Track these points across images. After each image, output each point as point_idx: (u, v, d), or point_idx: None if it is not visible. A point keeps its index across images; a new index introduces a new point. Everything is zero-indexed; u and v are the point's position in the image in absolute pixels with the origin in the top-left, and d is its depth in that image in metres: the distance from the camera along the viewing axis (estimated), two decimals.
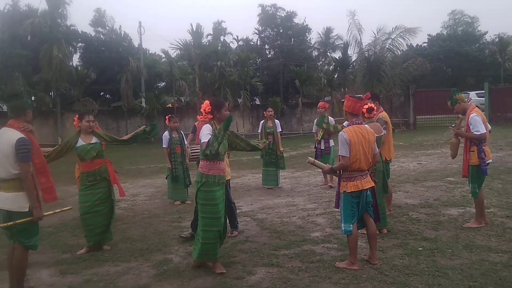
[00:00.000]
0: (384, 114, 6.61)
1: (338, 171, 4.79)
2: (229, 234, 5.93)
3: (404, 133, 24.67)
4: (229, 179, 6.10)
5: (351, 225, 4.64)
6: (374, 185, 4.80)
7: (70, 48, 29.79)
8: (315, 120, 9.80)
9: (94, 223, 5.76)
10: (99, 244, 5.85)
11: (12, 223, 4.10)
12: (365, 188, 4.63)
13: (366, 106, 5.91)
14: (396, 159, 12.68)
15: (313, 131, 10.47)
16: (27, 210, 4.13)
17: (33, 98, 26.90)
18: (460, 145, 6.28)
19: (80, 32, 35.12)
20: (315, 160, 5.15)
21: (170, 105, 30.77)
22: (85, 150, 5.71)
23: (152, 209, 8.37)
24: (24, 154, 4.05)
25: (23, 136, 4.12)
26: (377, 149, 4.92)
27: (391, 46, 26.94)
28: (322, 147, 9.82)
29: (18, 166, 4.06)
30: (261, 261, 5.05)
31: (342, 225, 4.71)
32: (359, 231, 4.84)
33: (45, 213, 4.33)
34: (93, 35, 37.94)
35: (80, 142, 5.72)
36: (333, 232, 6.06)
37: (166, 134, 8.72)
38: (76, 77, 28.00)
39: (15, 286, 4.26)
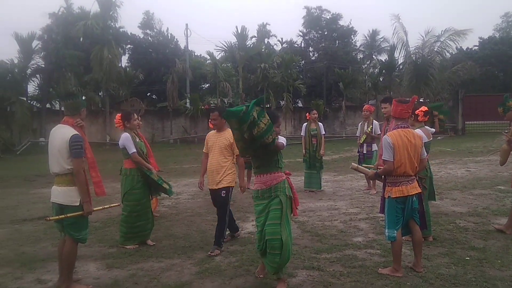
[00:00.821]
0: None
1: (382, 176, 4.71)
2: (209, 253, 5.46)
3: (452, 139, 23.90)
4: (232, 186, 5.79)
5: (395, 231, 4.53)
6: (420, 191, 4.67)
7: (120, 50, 30.73)
8: None
9: (147, 218, 6.00)
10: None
11: (63, 216, 4.28)
12: (410, 194, 4.51)
13: (422, 110, 5.77)
14: (444, 165, 12.30)
15: (356, 134, 10.35)
16: (78, 204, 4.30)
17: (83, 97, 27.93)
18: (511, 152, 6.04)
19: (129, 34, 36.26)
20: (359, 166, 5.08)
21: (202, 107, 31.00)
22: (142, 145, 6.00)
23: (194, 208, 8.51)
24: (77, 150, 4.22)
25: (77, 133, 4.29)
26: (425, 154, 4.79)
27: (440, 49, 26.20)
28: (364, 151, 9.69)
29: (71, 161, 4.24)
30: (302, 264, 5.02)
31: (386, 230, 4.62)
32: (404, 237, 4.73)
33: (94, 208, 4.50)
34: (141, 37, 39.17)
35: (136, 139, 5.98)
36: (376, 238, 5.96)
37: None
38: (124, 78, 28.90)
39: (65, 277, 4.43)
